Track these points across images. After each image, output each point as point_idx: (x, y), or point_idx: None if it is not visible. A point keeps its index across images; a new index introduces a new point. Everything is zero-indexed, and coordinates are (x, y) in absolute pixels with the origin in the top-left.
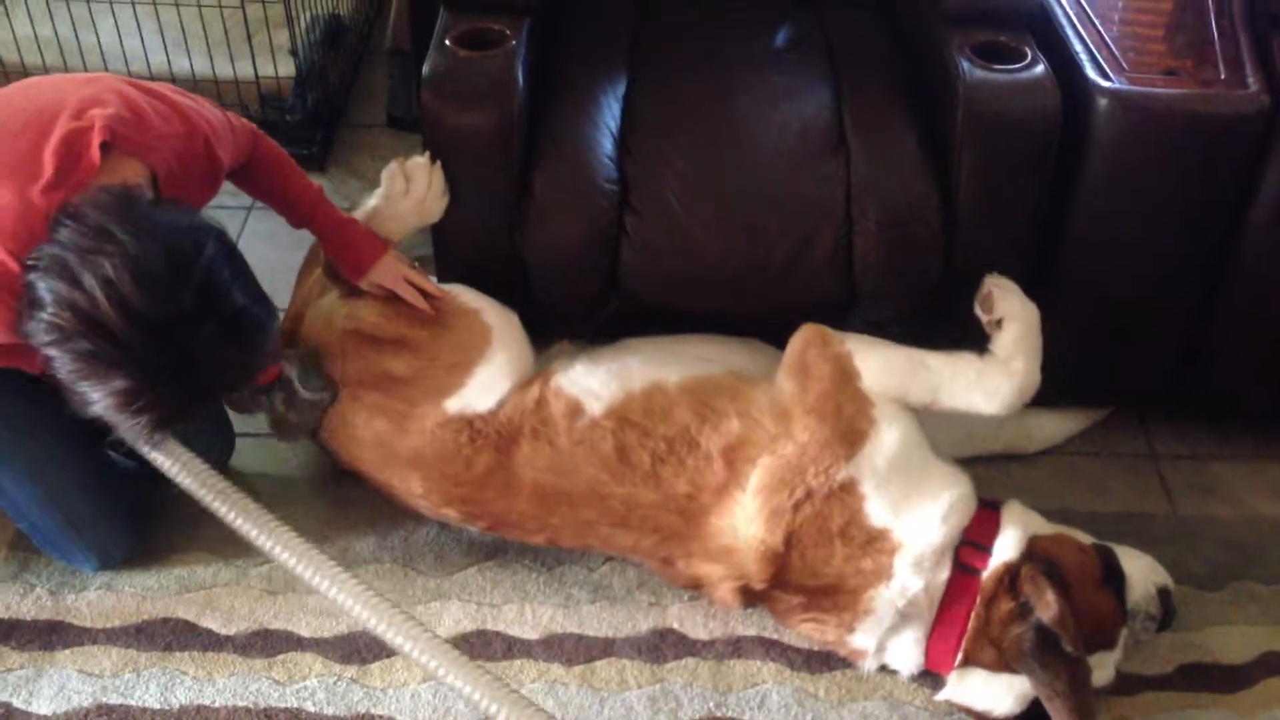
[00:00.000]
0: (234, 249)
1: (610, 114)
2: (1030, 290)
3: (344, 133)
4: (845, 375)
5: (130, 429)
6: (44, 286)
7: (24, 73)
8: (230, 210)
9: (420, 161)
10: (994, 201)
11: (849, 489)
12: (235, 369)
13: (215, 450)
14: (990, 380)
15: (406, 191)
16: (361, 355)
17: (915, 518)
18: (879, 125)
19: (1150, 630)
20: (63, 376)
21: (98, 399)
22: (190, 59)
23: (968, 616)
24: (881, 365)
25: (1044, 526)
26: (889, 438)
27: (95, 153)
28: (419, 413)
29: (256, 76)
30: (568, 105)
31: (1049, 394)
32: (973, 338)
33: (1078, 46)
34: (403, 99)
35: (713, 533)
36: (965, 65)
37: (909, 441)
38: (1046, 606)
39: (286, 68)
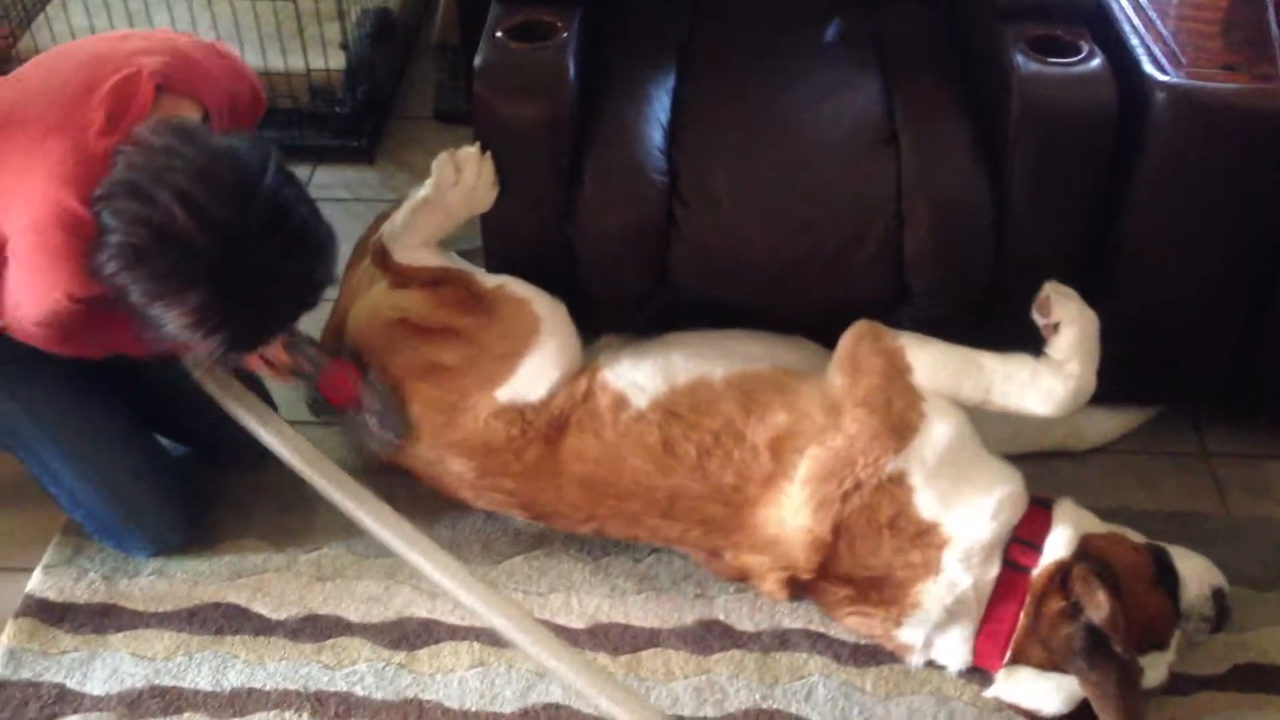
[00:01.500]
0: (292, 171)
1: (660, 106)
2: (1082, 287)
3: (392, 125)
4: (897, 370)
5: (203, 350)
6: (114, 210)
7: None
8: None
9: (470, 152)
10: (1047, 197)
11: (898, 481)
12: (303, 285)
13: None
14: (1044, 382)
15: (456, 182)
16: (409, 345)
17: (965, 512)
18: (930, 119)
19: (1204, 631)
20: (134, 301)
21: (171, 320)
22: (242, 51)
23: (1017, 615)
24: (934, 361)
25: (1097, 525)
26: (939, 431)
27: (147, 94)
28: (470, 403)
29: (307, 69)
30: (618, 97)
31: (1100, 392)
32: (1023, 337)
33: (1134, 41)
34: (450, 93)
35: (759, 523)
36: (1020, 58)
37: (960, 436)
38: (1097, 606)
39: (337, 61)
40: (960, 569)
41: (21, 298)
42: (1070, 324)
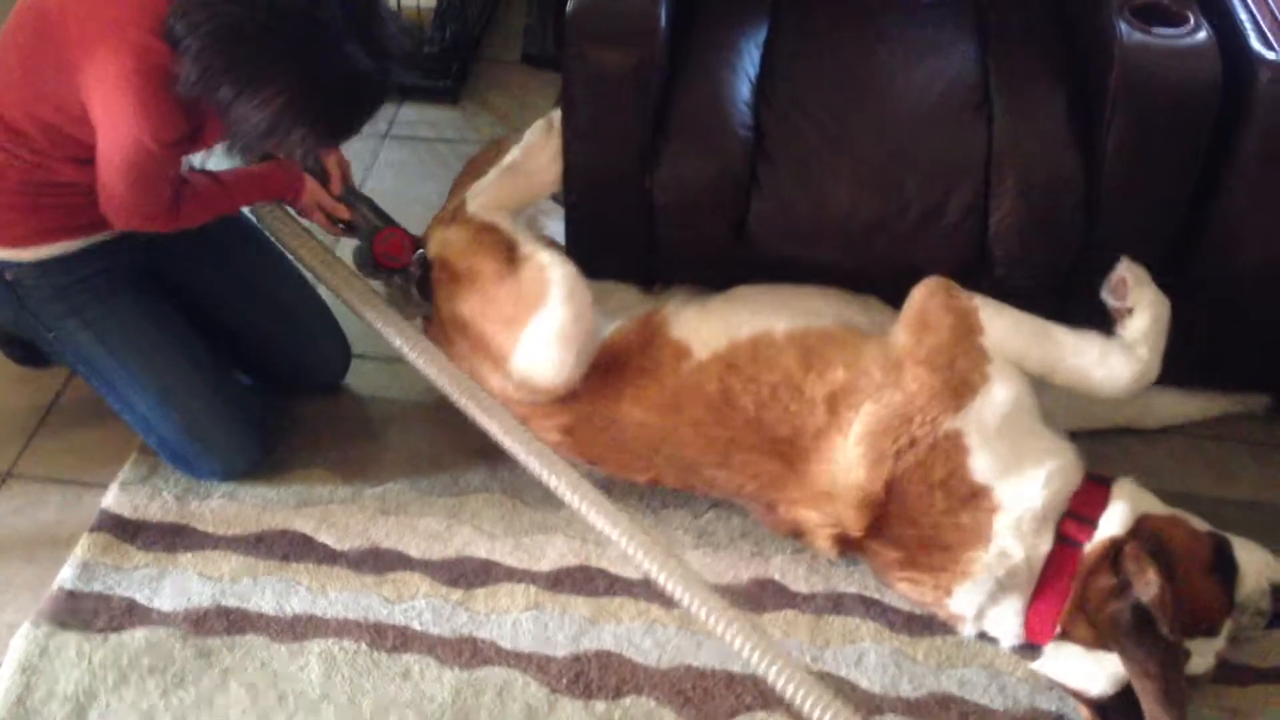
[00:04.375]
0: None
1: (749, 60)
2: (1167, 269)
3: (479, 67)
4: (967, 330)
5: (295, 140)
6: (192, 10)
7: None
8: (363, 138)
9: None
10: (1142, 173)
11: (954, 440)
12: (380, 68)
13: (333, 368)
14: (1113, 362)
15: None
16: (444, 289)
17: (1017, 480)
18: (1025, 86)
19: (1259, 626)
20: (221, 98)
21: (261, 109)
22: None
23: (1067, 589)
24: (1007, 326)
25: (1157, 507)
26: (1001, 395)
27: None
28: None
29: (399, 6)
30: (707, 48)
31: (1179, 375)
32: (1103, 314)
33: (1243, 15)
34: (539, 37)
35: (813, 478)
36: (1123, 27)
37: (1020, 403)
38: (1146, 585)
39: None
40: (1011, 538)
41: (112, 147)
42: (1145, 309)
